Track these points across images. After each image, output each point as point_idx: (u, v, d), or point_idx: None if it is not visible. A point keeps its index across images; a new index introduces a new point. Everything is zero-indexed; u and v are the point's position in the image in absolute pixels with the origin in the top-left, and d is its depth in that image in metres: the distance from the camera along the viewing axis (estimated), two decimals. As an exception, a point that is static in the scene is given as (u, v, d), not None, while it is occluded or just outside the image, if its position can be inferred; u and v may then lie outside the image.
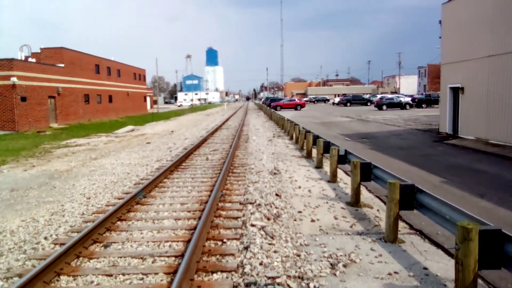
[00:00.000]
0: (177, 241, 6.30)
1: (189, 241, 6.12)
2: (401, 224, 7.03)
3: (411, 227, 7.28)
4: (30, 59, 34.27)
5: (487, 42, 18.33)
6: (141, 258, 5.71)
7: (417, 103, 53.70)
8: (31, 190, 10.52)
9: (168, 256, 5.75)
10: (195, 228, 6.57)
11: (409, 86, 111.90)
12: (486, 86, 18.36)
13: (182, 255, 5.63)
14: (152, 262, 5.59)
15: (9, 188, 10.80)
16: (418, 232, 6.94)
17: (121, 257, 5.74)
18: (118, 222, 7.31)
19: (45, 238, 6.62)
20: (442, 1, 22.45)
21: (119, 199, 8.95)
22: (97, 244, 6.27)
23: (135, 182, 10.81)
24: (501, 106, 17.36)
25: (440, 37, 23.65)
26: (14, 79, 28.14)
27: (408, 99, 54.67)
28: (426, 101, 54.03)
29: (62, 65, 36.49)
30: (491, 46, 17.98)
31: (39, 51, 37.01)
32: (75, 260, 5.67)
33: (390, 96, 61.79)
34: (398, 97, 57.30)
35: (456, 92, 21.13)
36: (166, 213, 7.85)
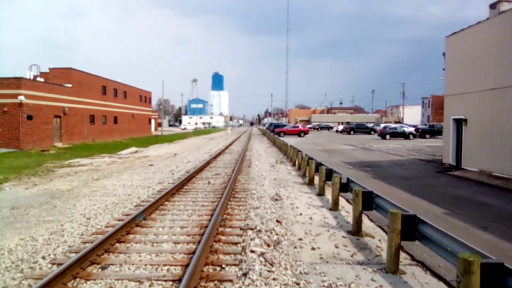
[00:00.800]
0: (176, 265, 6.24)
1: (187, 265, 6.05)
2: (402, 255, 6.95)
3: (412, 258, 7.18)
4: (38, 79, 34.78)
5: (489, 75, 18.52)
6: (138, 281, 5.64)
7: (421, 133, 53.79)
8: (32, 208, 10.51)
9: (165, 280, 5.68)
10: (194, 253, 6.52)
11: (412, 116, 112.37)
12: (489, 118, 18.43)
13: (180, 280, 5.56)
14: (149, 286, 5.51)
15: (10, 206, 10.79)
16: (419, 264, 6.84)
17: (118, 279, 5.68)
18: (117, 244, 7.26)
19: (43, 258, 6.57)
20: (445, 33, 22.85)
21: (119, 220, 8.90)
22: (95, 265, 6.22)
23: (136, 204, 10.78)
24: (504, 139, 17.38)
25: (443, 69, 23.91)
26: (22, 97, 28.51)
27: (412, 129, 54.80)
28: (429, 131, 54.13)
29: (70, 85, 37.00)
30: (494, 79, 18.16)
31: (48, 71, 37.64)
32: (72, 281, 5.61)
33: (393, 125, 62.02)
34: (401, 127, 57.48)
35: (459, 123, 21.20)
36: (165, 236, 7.79)
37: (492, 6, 18.94)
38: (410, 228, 6.22)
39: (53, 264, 6.28)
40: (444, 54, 23.59)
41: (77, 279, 5.68)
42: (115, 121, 49.54)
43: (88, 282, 5.61)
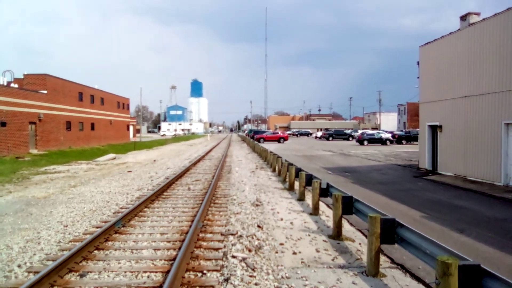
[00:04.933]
0: (156, 272, 6.16)
1: (168, 272, 5.98)
2: (382, 258, 7.04)
3: (392, 261, 7.29)
4: (12, 85, 33.97)
5: (462, 83, 19.07)
6: (118, 288, 5.54)
7: (397, 139, 54.78)
8: (6, 216, 10.21)
9: (146, 287, 5.60)
10: (174, 259, 6.45)
11: (389, 122, 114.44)
12: (463, 125, 18.94)
13: (161, 286, 5.50)
14: (130, 293, 5.43)
15: (-18, 214, 10.46)
16: (399, 266, 6.94)
17: (97, 287, 5.56)
18: (96, 251, 7.12)
19: (19, 266, 6.39)
20: (420, 43, 23.40)
21: (97, 227, 8.74)
22: (73, 273, 6.08)
23: (115, 211, 10.61)
24: (476, 144, 17.89)
25: (418, 77, 24.47)
26: (-5, 103, 27.76)
27: (389, 135, 55.73)
28: (406, 137, 55.19)
29: (45, 91, 36.27)
30: (466, 88, 18.71)
31: (22, 77, 36.80)
32: (49, 290, 5.47)
33: (371, 132, 62.93)
34: (379, 133, 58.40)
35: (434, 129, 21.70)
36: (145, 243, 7.69)
37: (463, 18, 19.56)
38: (389, 232, 6.32)
39: (29, 272, 6.12)
40: (418, 63, 24.17)
41: (55, 287, 5.55)
42: (92, 128, 48.73)
43: (66, 291, 5.48)
